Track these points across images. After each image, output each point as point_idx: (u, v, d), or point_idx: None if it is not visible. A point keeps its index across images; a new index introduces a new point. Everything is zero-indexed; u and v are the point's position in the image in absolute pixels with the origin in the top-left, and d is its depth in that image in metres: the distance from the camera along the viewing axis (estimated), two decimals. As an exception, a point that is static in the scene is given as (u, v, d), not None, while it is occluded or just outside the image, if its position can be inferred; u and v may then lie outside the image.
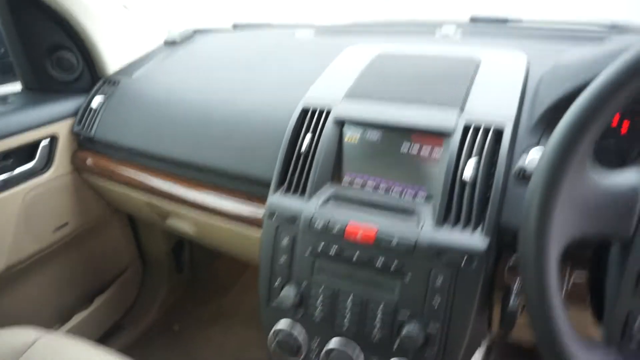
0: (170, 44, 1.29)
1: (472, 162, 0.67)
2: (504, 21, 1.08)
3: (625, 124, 0.71)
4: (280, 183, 0.80)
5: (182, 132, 0.97)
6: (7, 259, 1.11)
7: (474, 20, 1.12)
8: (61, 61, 1.14)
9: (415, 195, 0.74)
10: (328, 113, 0.80)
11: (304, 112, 0.82)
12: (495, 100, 0.74)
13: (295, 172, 0.78)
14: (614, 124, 0.72)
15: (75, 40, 1.13)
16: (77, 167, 1.18)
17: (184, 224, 1.09)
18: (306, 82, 0.90)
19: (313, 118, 0.80)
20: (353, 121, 0.78)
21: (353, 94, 0.81)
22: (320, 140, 0.78)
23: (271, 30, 1.32)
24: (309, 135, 0.79)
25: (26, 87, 1.17)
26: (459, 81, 0.79)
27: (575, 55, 0.76)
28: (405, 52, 0.91)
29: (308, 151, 0.78)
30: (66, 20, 1.09)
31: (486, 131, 0.69)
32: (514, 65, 0.80)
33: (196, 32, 1.34)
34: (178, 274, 1.64)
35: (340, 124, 0.78)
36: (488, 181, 0.67)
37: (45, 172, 1.13)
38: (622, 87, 0.40)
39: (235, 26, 1.37)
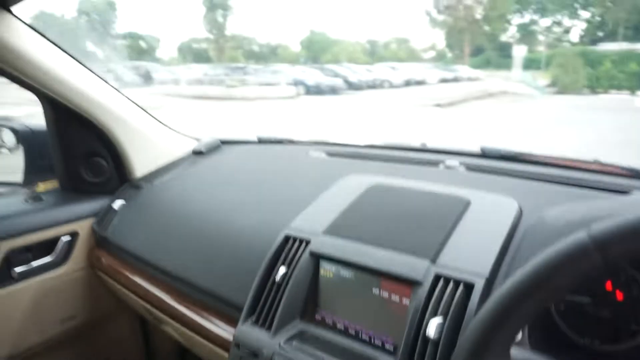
0: (198, 153, 1.39)
1: (436, 320, 0.63)
2: (513, 157, 1.06)
3: (619, 293, 0.64)
4: (250, 313, 0.79)
5: (177, 245, 1.01)
6: (11, 348, 1.14)
7: (483, 151, 1.11)
8: (94, 166, 1.26)
9: (382, 345, 0.69)
10: (307, 244, 0.80)
11: (285, 240, 0.82)
12: (473, 251, 0.70)
13: (266, 303, 0.77)
14: (609, 287, 0.65)
15: (108, 147, 1.26)
16: (92, 263, 1.24)
17: (174, 333, 1.09)
18: (301, 206, 0.92)
19: (292, 248, 0.81)
20: (327, 258, 0.77)
21: (332, 229, 0.81)
22: (295, 272, 0.77)
23: (290, 146, 1.39)
24: (283, 267, 0.78)
25: (61, 187, 1.29)
26: (440, 225, 0.76)
27: (559, 212, 0.72)
28: (399, 185, 0.91)
29: (281, 283, 0.77)
30: (102, 131, 1.22)
31: (457, 285, 0.65)
32: (502, 215, 0.77)
33: (223, 143, 1.44)
34: None
35: (317, 257, 0.78)
36: (453, 341, 0.62)
37: (61, 266, 1.20)
38: (519, 305, 0.37)
39: (260, 139, 1.46)
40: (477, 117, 10.89)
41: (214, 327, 0.90)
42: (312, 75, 20.89)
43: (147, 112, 1.33)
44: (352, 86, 20.52)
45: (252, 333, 0.75)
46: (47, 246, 1.17)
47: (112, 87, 1.23)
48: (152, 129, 1.34)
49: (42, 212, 1.16)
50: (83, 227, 1.22)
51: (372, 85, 21.15)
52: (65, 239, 1.19)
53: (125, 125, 1.25)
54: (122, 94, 1.26)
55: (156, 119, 1.36)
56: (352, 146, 1.30)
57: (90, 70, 1.17)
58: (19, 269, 1.11)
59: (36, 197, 1.20)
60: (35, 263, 1.15)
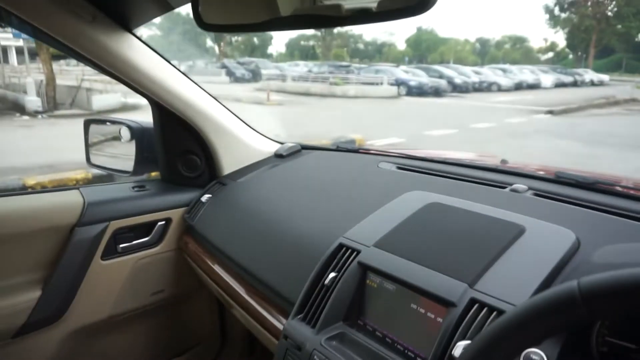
0: (279, 156, 1.50)
1: (464, 343, 0.65)
2: (588, 186, 1.00)
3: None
4: (300, 310, 0.86)
5: (248, 240, 1.12)
6: (111, 309, 1.36)
7: (558, 177, 1.06)
8: (189, 162, 1.44)
9: (414, 357, 0.73)
10: (357, 254, 0.85)
11: (339, 248, 0.89)
12: (514, 280, 0.70)
13: (314, 303, 0.84)
14: None
15: (202, 147, 1.43)
16: (180, 246, 1.42)
17: (240, 317, 1.21)
18: (361, 216, 0.98)
19: (344, 256, 0.87)
20: (373, 270, 0.82)
21: (382, 243, 0.85)
22: (343, 278, 0.83)
23: (364, 155, 1.44)
24: (333, 273, 0.85)
25: (161, 178, 1.49)
26: (488, 250, 0.77)
27: (617, 250, 0.69)
28: (457, 206, 0.92)
29: (330, 286, 0.84)
30: (198, 133, 1.39)
31: (490, 311, 0.67)
32: (554, 246, 0.75)
33: (303, 148, 1.54)
34: (250, 356, 1.74)
35: (364, 267, 0.83)
36: None
37: (155, 246, 1.39)
38: (504, 339, 0.39)
39: (337, 147, 1.54)
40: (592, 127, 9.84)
41: (270, 317, 1.00)
42: (415, 75, 20.52)
43: (236, 116, 1.48)
44: (457, 88, 19.78)
45: (298, 328, 0.83)
46: (146, 228, 1.37)
47: (209, 94, 1.40)
48: (240, 132, 1.49)
49: (145, 199, 1.36)
50: (176, 215, 1.40)
51: (479, 88, 20.17)
52: (161, 223, 1.38)
53: (218, 128, 1.41)
54: (217, 100, 1.42)
55: (245, 123, 1.51)
56: (424, 160, 1.31)
57: (191, 80, 1.35)
58: (122, 245, 1.32)
59: (141, 186, 1.41)
60: (136, 241, 1.35)
